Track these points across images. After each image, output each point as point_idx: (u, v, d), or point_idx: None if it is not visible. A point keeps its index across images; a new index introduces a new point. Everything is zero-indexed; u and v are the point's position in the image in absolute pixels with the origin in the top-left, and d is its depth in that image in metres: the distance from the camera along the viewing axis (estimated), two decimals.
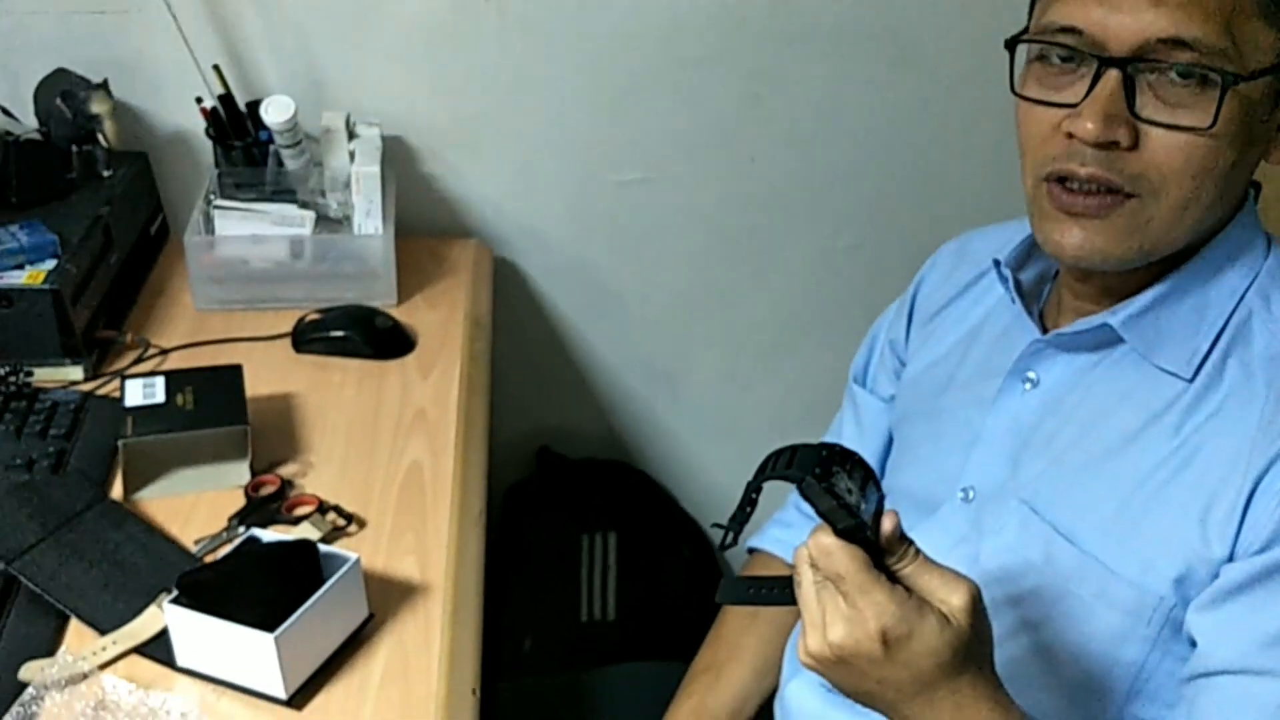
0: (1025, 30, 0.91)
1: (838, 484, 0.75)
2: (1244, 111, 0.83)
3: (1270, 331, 0.88)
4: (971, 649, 0.77)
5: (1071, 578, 0.90)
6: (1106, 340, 0.93)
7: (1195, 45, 0.81)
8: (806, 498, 0.76)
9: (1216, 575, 0.85)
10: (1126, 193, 0.85)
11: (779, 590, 0.83)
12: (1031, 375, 0.98)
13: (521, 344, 1.73)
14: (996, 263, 1.01)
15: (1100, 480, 0.91)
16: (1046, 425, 0.96)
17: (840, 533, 0.76)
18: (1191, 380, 0.88)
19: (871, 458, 1.20)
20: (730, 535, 0.79)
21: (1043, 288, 1.03)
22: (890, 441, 1.19)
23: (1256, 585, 0.82)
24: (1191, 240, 0.89)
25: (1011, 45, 0.90)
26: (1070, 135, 0.85)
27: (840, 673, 0.79)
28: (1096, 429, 0.92)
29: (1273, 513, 0.82)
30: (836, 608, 0.76)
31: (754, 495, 0.79)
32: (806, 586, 0.78)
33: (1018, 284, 1.00)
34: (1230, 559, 0.84)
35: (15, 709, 0.88)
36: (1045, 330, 0.98)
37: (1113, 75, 0.83)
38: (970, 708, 0.79)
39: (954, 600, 0.76)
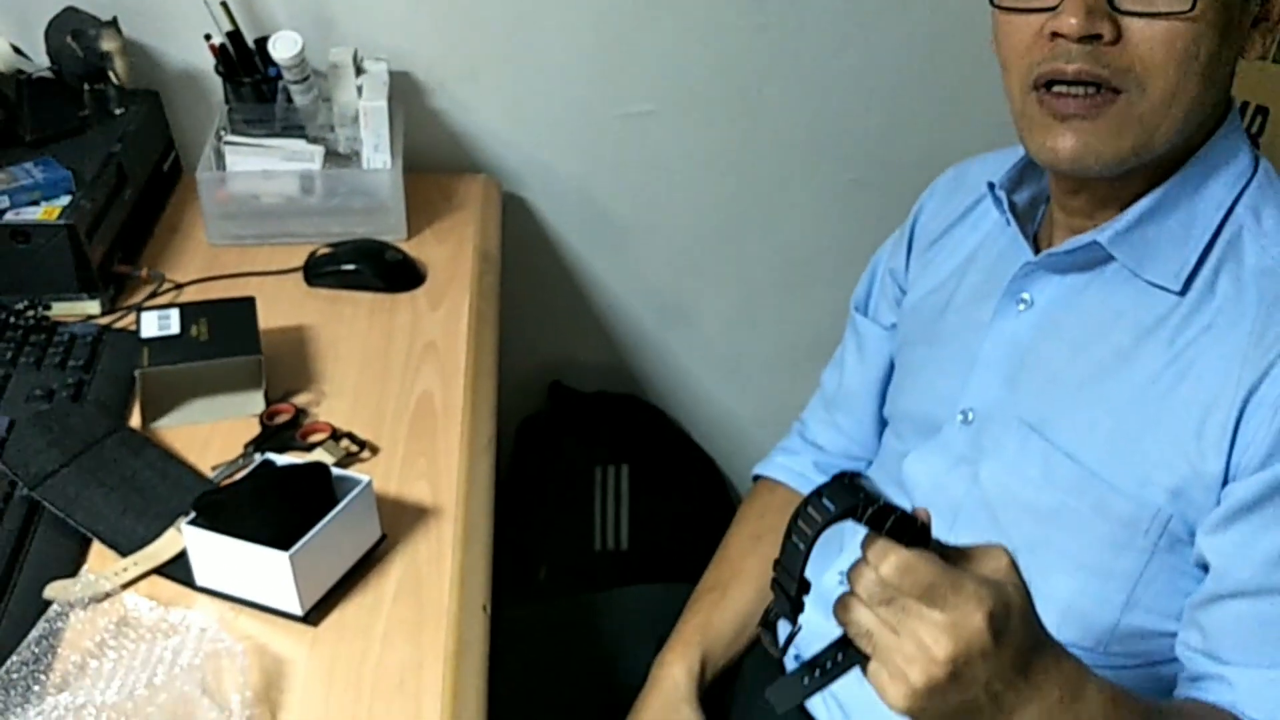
0: None
1: (882, 498, 0.71)
2: None
3: (1261, 247, 0.89)
4: (1034, 608, 0.75)
5: (1070, 493, 0.92)
6: (1097, 259, 0.94)
7: None
8: (873, 524, 0.71)
9: (1213, 490, 0.87)
10: (1114, 88, 0.86)
11: (834, 660, 0.75)
12: (1025, 296, 0.99)
13: (532, 279, 1.74)
14: (991, 186, 1.02)
15: (1096, 397, 0.92)
16: (1042, 345, 0.97)
17: (908, 543, 0.71)
18: (1182, 293, 0.90)
19: (872, 383, 1.22)
20: (791, 628, 0.74)
21: (1037, 210, 1.04)
22: (891, 368, 1.20)
23: (1264, 503, 0.84)
24: (1180, 140, 0.90)
25: None
26: (1054, 36, 0.86)
27: (952, 694, 0.71)
28: (1091, 347, 0.94)
29: (1268, 426, 0.84)
30: (931, 624, 0.70)
31: (803, 582, 0.73)
32: (879, 626, 0.71)
33: (1012, 206, 1.01)
34: (1226, 471, 0.86)
35: (41, 624, 0.91)
36: (1039, 252, 0.99)
37: None
38: (1060, 669, 0.76)
39: (1001, 563, 0.73)
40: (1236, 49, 0.89)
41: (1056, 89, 0.88)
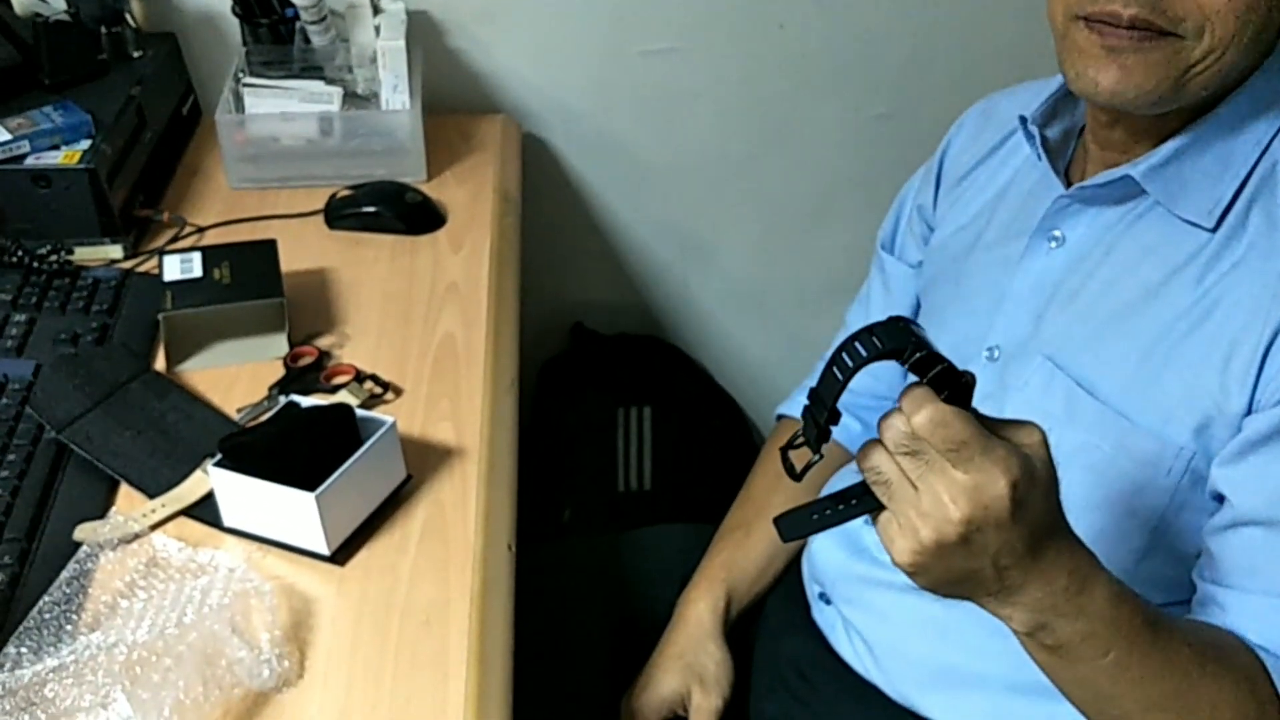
0: None
1: (932, 347, 0.70)
2: None
3: None
4: (1059, 489, 0.75)
5: (1092, 430, 0.92)
6: (1129, 193, 0.93)
7: None
8: (917, 369, 0.70)
9: (1236, 427, 0.86)
10: (1168, 32, 0.84)
11: (848, 504, 0.75)
12: (1057, 234, 0.98)
13: (553, 220, 1.73)
14: (1023, 120, 1.00)
15: (1122, 334, 0.92)
16: (1070, 281, 0.96)
17: (946, 399, 0.69)
18: (1214, 230, 0.89)
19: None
20: (815, 451, 0.73)
21: (1068, 145, 1.02)
22: (918, 308, 1.19)
23: (1278, 435, 0.84)
24: (1221, 88, 0.88)
25: None
26: None
27: (959, 559, 0.71)
28: (1120, 284, 0.93)
29: None
30: (953, 482, 0.69)
31: (834, 412, 0.71)
32: (899, 477, 0.71)
33: (1044, 141, 0.99)
34: (1249, 409, 0.85)
35: (72, 565, 0.92)
36: (1070, 187, 0.98)
37: None
38: (1071, 555, 0.75)
39: (1034, 439, 0.72)
40: None
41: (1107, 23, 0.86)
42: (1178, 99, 0.87)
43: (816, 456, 0.74)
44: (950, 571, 0.72)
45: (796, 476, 0.76)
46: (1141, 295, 0.91)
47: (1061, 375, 0.94)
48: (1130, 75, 0.86)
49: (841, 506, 0.75)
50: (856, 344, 0.70)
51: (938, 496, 0.69)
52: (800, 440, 0.74)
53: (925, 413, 0.69)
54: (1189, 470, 0.88)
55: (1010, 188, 1.07)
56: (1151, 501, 0.90)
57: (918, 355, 0.69)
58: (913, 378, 0.71)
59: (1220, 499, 0.88)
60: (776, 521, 0.79)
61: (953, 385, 0.70)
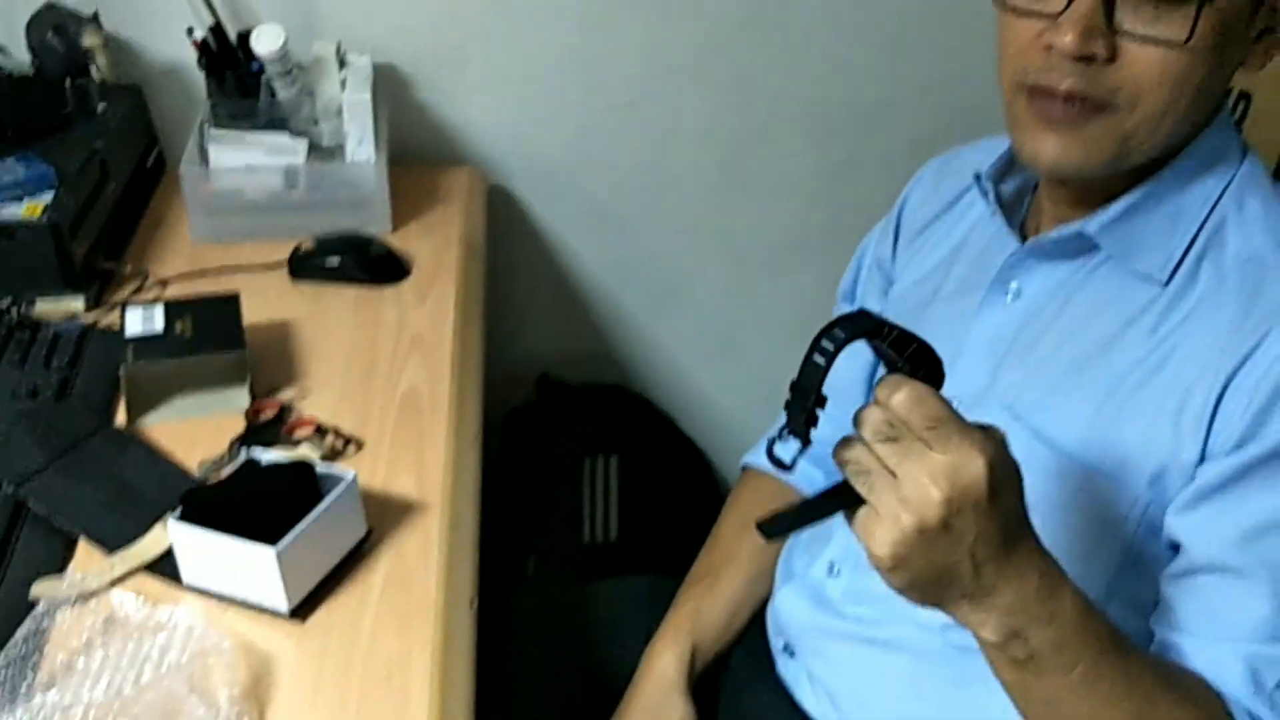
0: None
1: (905, 329, 0.72)
2: (1220, 25, 0.84)
3: (1243, 234, 0.90)
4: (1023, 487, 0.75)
5: (1050, 480, 0.92)
6: (1084, 247, 0.94)
7: None
8: (886, 350, 0.73)
9: (1190, 476, 0.87)
10: (1104, 104, 0.86)
11: (825, 501, 0.76)
12: (1013, 286, 1.00)
13: (518, 270, 1.74)
14: (977, 177, 1.02)
15: (1078, 385, 0.93)
16: (1027, 334, 0.98)
17: (921, 378, 0.72)
18: (1166, 284, 0.90)
19: (859, 373, 1.22)
20: (802, 441, 0.73)
21: (1024, 200, 1.04)
22: (878, 357, 1.20)
23: (1231, 483, 0.85)
24: (1166, 150, 0.90)
25: None
26: (1049, 47, 0.86)
27: (938, 548, 0.71)
28: (1076, 336, 0.94)
29: (1243, 411, 0.84)
30: (933, 463, 0.70)
31: (820, 397, 0.72)
32: (878, 466, 0.71)
33: (998, 196, 1.01)
34: (1202, 458, 0.86)
35: (28, 623, 0.91)
36: (1025, 241, 0.99)
37: None
38: (1041, 558, 0.76)
39: (999, 435, 0.73)
40: (1235, 65, 0.89)
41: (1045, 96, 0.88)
42: (1120, 166, 0.90)
43: (808, 445, 0.73)
44: (929, 566, 0.72)
45: (788, 467, 0.75)
46: (1097, 347, 0.93)
47: (1019, 426, 0.95)
48: (1070, 150, 0.88)
49: (821, 503, 0.76)
50: (835, 329, 0.72)
51: (918, 479, 0.70)
52: (786, 432, 0.74)
53: (904, 391, 0.70)
54: (1144, 519, 0.89)
55: (967, 241, 1.09)
56: (1109, 551, 0.91)
57: (894, 333, 0.72)
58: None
59: (1176, 547, 0.89)
60: (758, 525, 0.78)
61: (927, 366, 0.73)
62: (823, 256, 1.63)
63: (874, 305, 1.21)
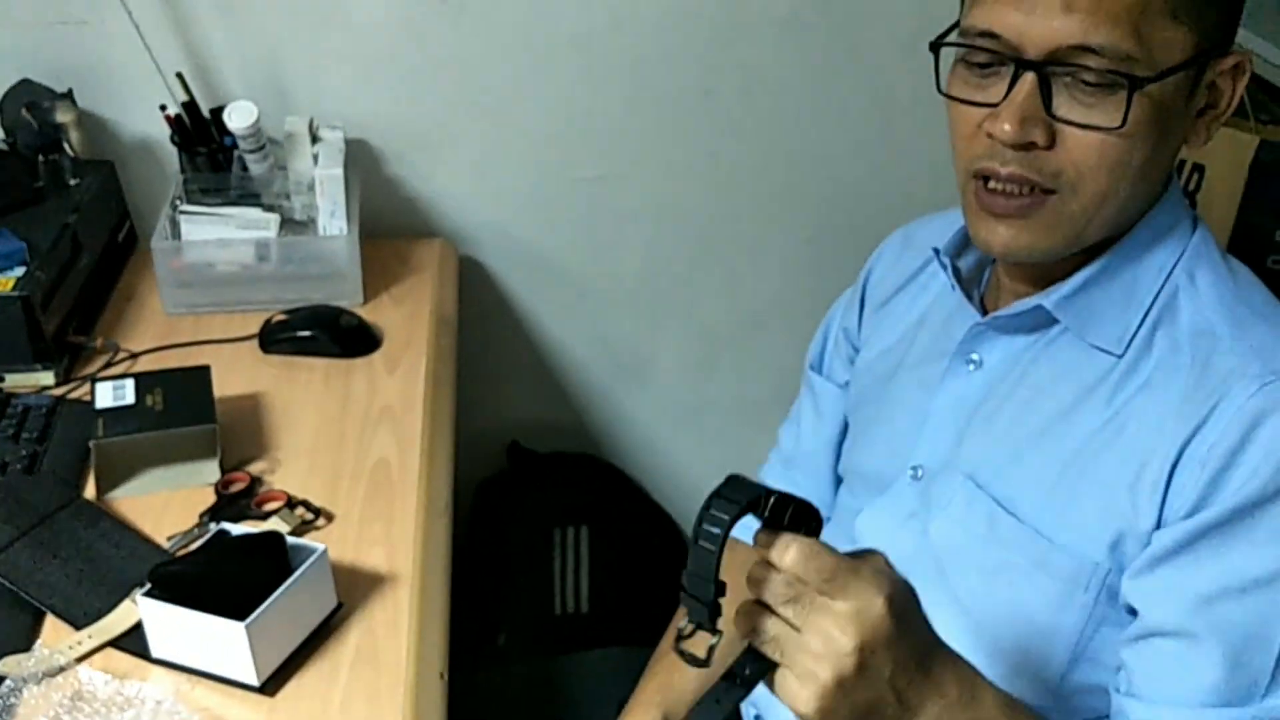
0: (949, 32, 0.93)
1: (777, 491, 0.72)
2: (1155, 110, 0.86)
3: (1195, 306, 0.92)
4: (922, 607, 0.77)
5: (1012, 548, 0.94)
6: (1042, 321, 0.96)
7: (1102, 51, 0.84)
8: (774, 511, 0.72)
9: (1147, 542, 0.88)
10: (1046, 189, 0.89)
11: (744, 676, 0.74)
12: (975, 357, 1.01)
13: (489, 341, 1.75)
14: (936, 251, 1.04)
15: (1038, 454, 0.94)
16: (989, 403, 0.99)
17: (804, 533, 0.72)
18: (1123, 355, 0.92)
19: (828, 441, 1.23)
20: (710, 632, 0.72)
21: (982, 273, 1.06)
22: (846, 426, 1.22)
23: (1185, 549, 0.86)
24: (1115, 229, 0.93)
25: (935, 47, 0.93)
26: (991, 135, 0.89)
27: (860, 689, 0.72)
28: (1035, 405, 0.96)
29: (1197, 478, 0.85)
30: (836, 615, 0.71)
31: (719, 584, 0.70)
32: (784, 629, 0.72)
33: (956, 271, 1.03)
34: (1158, 524, 0.88)
35: None
36: (986, 313, 1.01)
37: (1029, 78, 0.86)
38: (955, 666, 0.78)
39: (881, 562, 0.75)
40: (1177, 143, 0.92)
41: (991, 185, 0.90)
42: (1069, 249, 0.92)
43: (716, 637, 0.72)
44: (854, 709, 0.73)
45: (704, 663, 0.73)
46: (1056, 416, 0.94)
47: (982, 494, 0.96)
48: (1018, 237, 0.91)
49: (739, 681, 0.74)
50: (712, 512, 0.70)
51: (826, 632, 0.71)
52: (690, 628, 0.73)
53: (794, 550, 0.71)
54: (1105, 586, 0.91)
55: (931, 312, 1.11)
56: (1073, 617, 0.92)
57: (771, 500, 0.72)
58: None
59: (1134, 611, 0.90)
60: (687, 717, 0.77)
61: (807, 520, 0.73)
62: (789, 329, 1.65)
63: (841, 374, 1.23)
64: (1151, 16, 0.84)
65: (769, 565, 0.73)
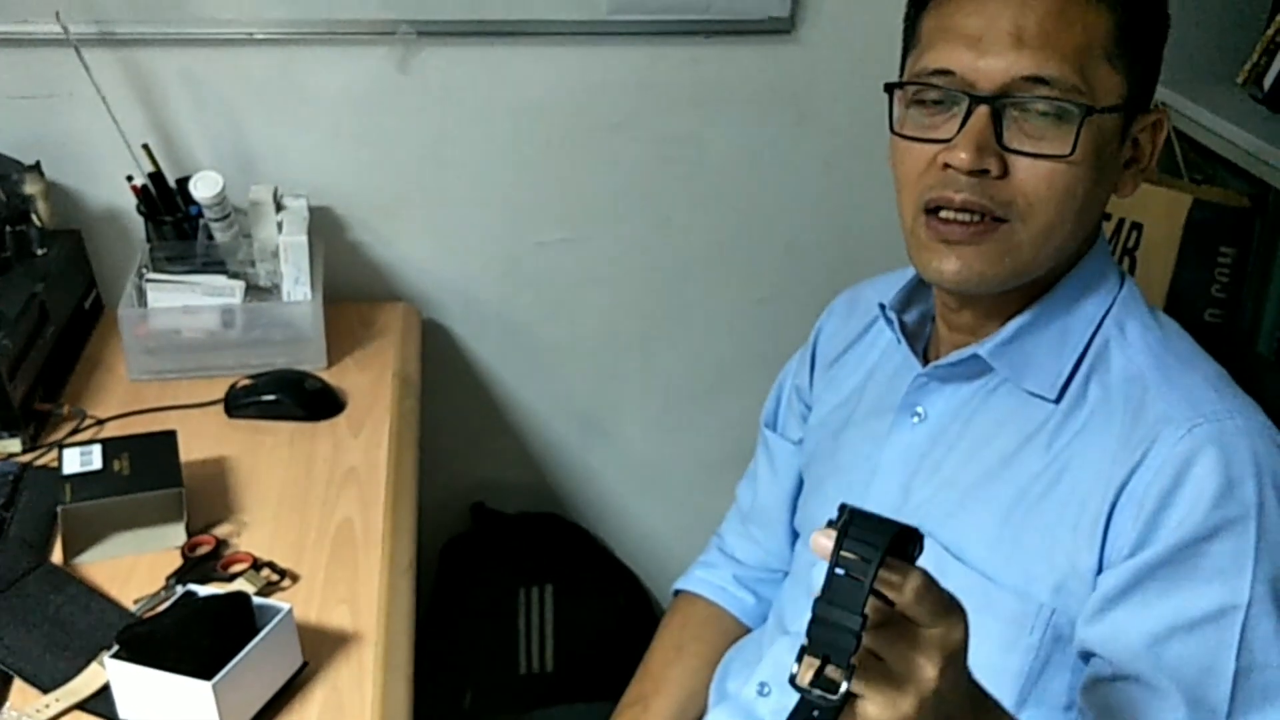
0: (901, 77, 0.99)
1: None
2: (1098, 142, 0.92)
3: (1126, 355, 0.96)
4: None
5: (960, 593, 0.95)
6: (979, 370, 1.00)
7: (1054, 83, 0.90)
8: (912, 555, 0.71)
9: (1090, 584, 0.92)
10: (997, 217, 0.93)
11: (812, 712, 0.69)
12: (919, 410, 1.05)
13: (453, 403, 1.78)
14: (882, 307, 1.08)
15: (982, 501, 0.98)
16: (934, 454, 1.03)
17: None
18: (1058, 401, 0.96)
19: (784, 497, 1.26)
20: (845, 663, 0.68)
21: (925, 327, 1.10)
22: (802, 482, 1.25)
23: (1132, 589, 0.90)
24: (1055, 265, 0.97)
25: (890, 89, 0.98)
26: (946, 166, 0.93)
27: (931, 714, 0.70)
28: (978, 454, 1.00)
29: (1135, 519, 0.89)
30: (922, 642, 0.70)
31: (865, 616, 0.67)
32: (864, 658, 0.70)
33: (902, 325, 1.07)
34: (1100, 565, 0.91)
35: None
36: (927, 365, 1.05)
37: (983, 111, 0.91)
38: (993, 707, 0.80)
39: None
40: (1110, 188, 0.98)
41: (944, 214, 0.95)
42: (1016, 280, 0.96)
43: (850, 671, 0.68)
44: None
45: (839, 699, 0.68)
46: (998, 464, 0.98)
47: (930, 541, 0.98)
48: (970, 264, 0.95)
49: (817, 713, 0.69)
50: (862, 540, 0.69)
51: (912, 659, 0.70)
52: (815, 665, 0.68)
53: (914, 583, 0.69)
54: (1050, 626, 0.94)
55: (877, 368, 1.15)
56: (1019, 659, 0.95)
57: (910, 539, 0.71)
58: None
59: (1087, 658, 0.93)
60: None
61: (912, 543, 0.72)
62: (746, 387, 1.68)
63: (795, 431, 1.26)
64: (1094, 58, 0.91)
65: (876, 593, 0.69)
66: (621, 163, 1.66)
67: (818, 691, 0.68)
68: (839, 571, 0.68)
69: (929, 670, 0.70)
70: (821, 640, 0.68)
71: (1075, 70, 0.91)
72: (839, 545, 0.69)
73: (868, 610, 0.67)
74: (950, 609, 0.71)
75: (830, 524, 0.70)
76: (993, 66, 0.91)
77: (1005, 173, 0.92)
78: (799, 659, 0.69)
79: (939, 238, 0.95)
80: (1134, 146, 0.97)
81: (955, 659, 0.71)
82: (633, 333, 1.79)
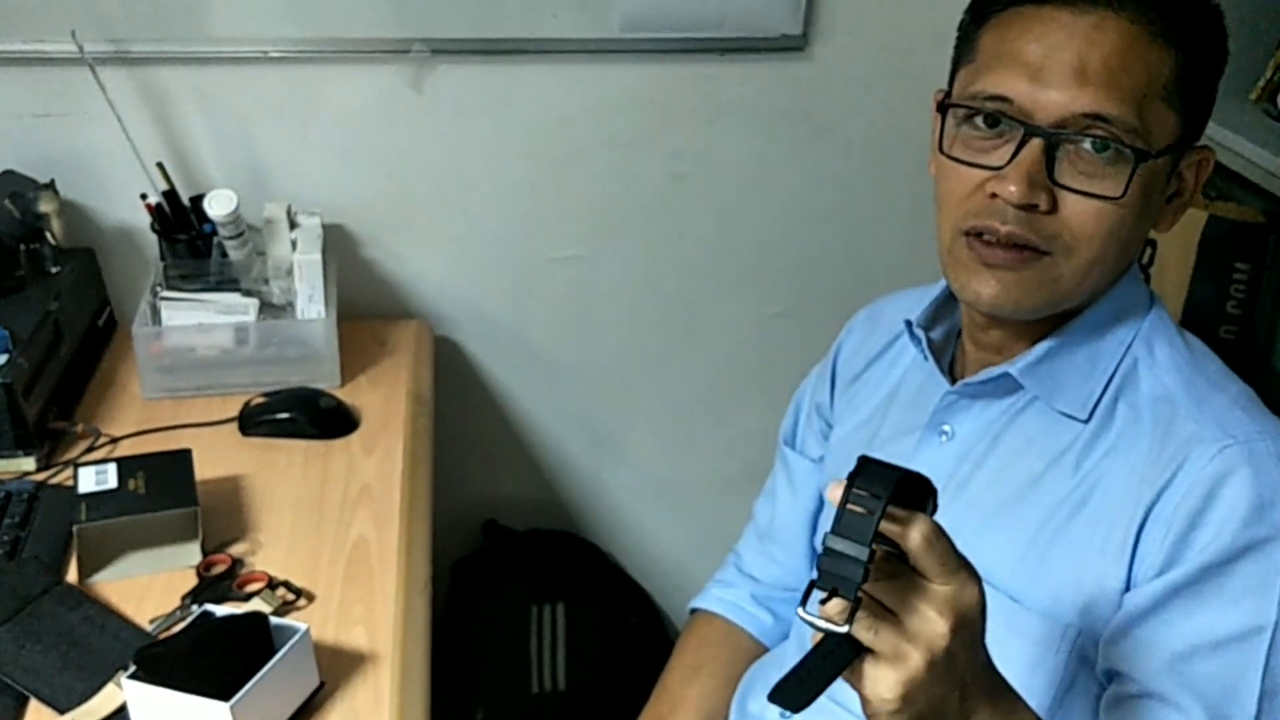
0: (950, 93, 0.98)
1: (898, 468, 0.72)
2: (1147, 185, 0.91)
3: (1154, 376, 0.96)
4: None
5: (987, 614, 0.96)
6: (1009, 389, 1.00)
7: (1113, 121, 0.89)
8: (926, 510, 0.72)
9: (1117, 604, 0.91)
10: (1041, 250, 0.92)
11: (829, 656, 0.71)
12: (947, 428, 1.04)
13: (465, 420, 1.77)
14: (908, 324, 1.07)
15: (1010, 521, 0.97)
16: (961, 472, 1.02)
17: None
18: (1087, 421, 0.96)
19: (804, 515, 1.25)
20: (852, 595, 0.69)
21: (950, 345, 1.10)
22: (822, 500, 1.24)
23: (1158, 608, 0.89)
24: (1090, 298, 0.97)
25: (943, 108, 0.97)
26: (994, 195, 0.92)
27: (939, 683, 0.71)
28: (1006, 474, 0.99)
29: (1163, 539, 0.89)
30: (933, 597, 0.70)
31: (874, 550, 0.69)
32: (875, 610, 0.70)
33: (929, 343, 1.07)
34: (1128, 585, 0.91)
35: None
36: (955, 383, 1.04)
37: (1036, 143, 0.90)
38: (1009, 689, 0.79)
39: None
40: (1151, 223, 0.97)
41: (986, 238, 0.93)
42: (1051, 309, 0.96)
43: (857, 598, 0.69)
44: (929, 700, 0.71)
45: (842, 631, 0.70)
46: (1026, 484, 0.97)
47: None
48: (1008, 290, 0.94)
49: (825, 661, 0.71)
50: (875, 472, 0.70)
51: (924, 613, 0.70)
52: (824, 596, 0.70)
53: (920, 530, 0.70)
54: (1075, 648, 0.93)
55: (901, 386, 1.14)
56: (1045, 679, 0.94)
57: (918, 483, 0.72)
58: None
59: (1110, 677, 0.93)
60: (775, 699, 0.71)
61: (927, 496, 0.73)
62: (760, 403, 1.68)
63: (815, 449, 1.25)
64: (1153, 99, 0.90)
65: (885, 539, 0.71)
66: (634, 179, 1.66)
67: (824, 622, 0.70)
68: (850, 508, 0.70)
69: (939, 625, 0.70)
70: (830, 572, 0.70)
71: (1134, 110, 0.89)
72: (850, 485, 0.70)
73: (875, 546, 0.69)
74: (961, 566, 0.72)
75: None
76: (1052, 100, 0.90)
77: (1054, 207, 0.91)
78: (806, 593, 0.71)
79: (979, 260, 0.94)
80: (1178, 179, 0.96)
81: (968, 621, 0.71)
82: (645, 349, 1.79)
